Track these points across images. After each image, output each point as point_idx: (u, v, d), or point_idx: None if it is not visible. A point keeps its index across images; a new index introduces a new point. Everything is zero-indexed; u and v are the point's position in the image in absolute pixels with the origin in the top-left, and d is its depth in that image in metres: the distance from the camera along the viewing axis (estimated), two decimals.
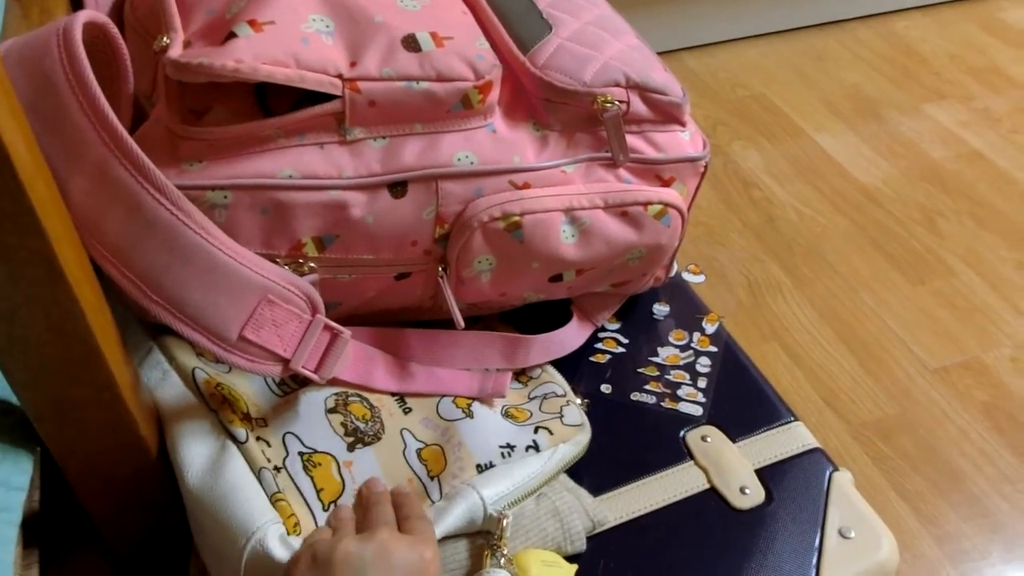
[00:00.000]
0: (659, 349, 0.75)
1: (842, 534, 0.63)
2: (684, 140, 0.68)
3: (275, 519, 0.52)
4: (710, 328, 0.77)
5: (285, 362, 0.55)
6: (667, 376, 0.72)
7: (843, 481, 0.67)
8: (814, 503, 0.65)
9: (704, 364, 0.74)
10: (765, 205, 1.51)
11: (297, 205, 0.58)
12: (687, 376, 0.73)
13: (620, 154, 0.65)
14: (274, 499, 0.53)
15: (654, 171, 0.67)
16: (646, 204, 0.66)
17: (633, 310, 0.78)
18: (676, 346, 0.75)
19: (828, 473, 0.67)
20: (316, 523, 0.54)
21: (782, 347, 1.25)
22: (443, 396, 0.65)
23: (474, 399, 0.65)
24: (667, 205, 0.66)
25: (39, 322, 0.46)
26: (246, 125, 0.57)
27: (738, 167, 1.59)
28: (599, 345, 0.75)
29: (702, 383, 0.72)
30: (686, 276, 0.82)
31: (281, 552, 0.50)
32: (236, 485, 0.53)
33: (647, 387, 0.71)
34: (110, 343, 0.50)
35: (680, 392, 0.71)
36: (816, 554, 0.62)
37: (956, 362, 1.25)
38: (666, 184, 0.67)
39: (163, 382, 0.60)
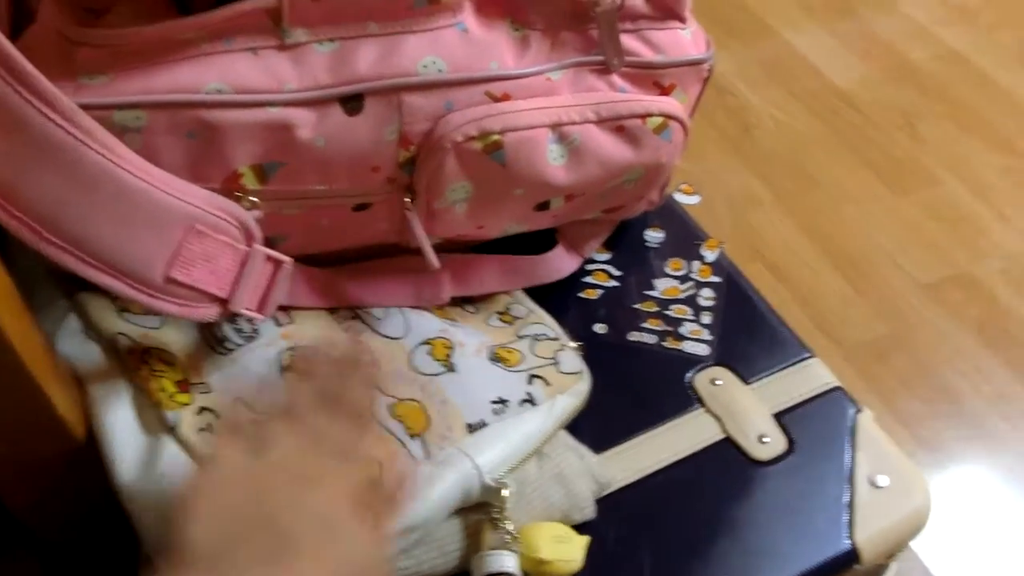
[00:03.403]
0: (655, 281, 0.66)
1: (872, 483, 0.56)
2: (685, 39, 0.58)
3: None
4: (710, 255, 0.68)
5: (223, 302, 0.47)
6: (667, 312, 0.64)
7: (868, 422, 0.60)
8: (840, 450, 0.58)
9: (707, 296, 0.65)
10: (740, 113, 1.42)
11: (229, 126, 0.47)
12: (689, 311, 0.64)
13: (614, 57, 0.55)
14: None
15: (653, 77, 0.57)
16: (644, 116, 0.56)
17: (623, 237, 0.69)
18: (674, 277, 0.67)
19: (852, 414, 0.60)
20: None
21: (766, 267, 1.19)
22: (376, 308, 0.58)
23: (411, 306, 0.58)
24: (668, 117, 0.57)
25: None
26: (159, 26, 0.46)
27: None
28: (588, 279, 0.66)
29: (706, 318, 0.64)
30: (678, 197, 0.73)
31: None
32: (174, 475, 0.45)
33: (645, 325, 0.63)
34: (5, 309, 0.40)
35: (682, 329, 0.63)
36: (847, 507, 0.55)
37: (946, 276, 1.20)
38: (666, 92, 0.58)
39: (83, 352, 0.51)
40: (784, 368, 0.62)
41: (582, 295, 0.65)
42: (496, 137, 0.52)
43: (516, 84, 0.53)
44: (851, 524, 0.54)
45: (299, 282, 0.56)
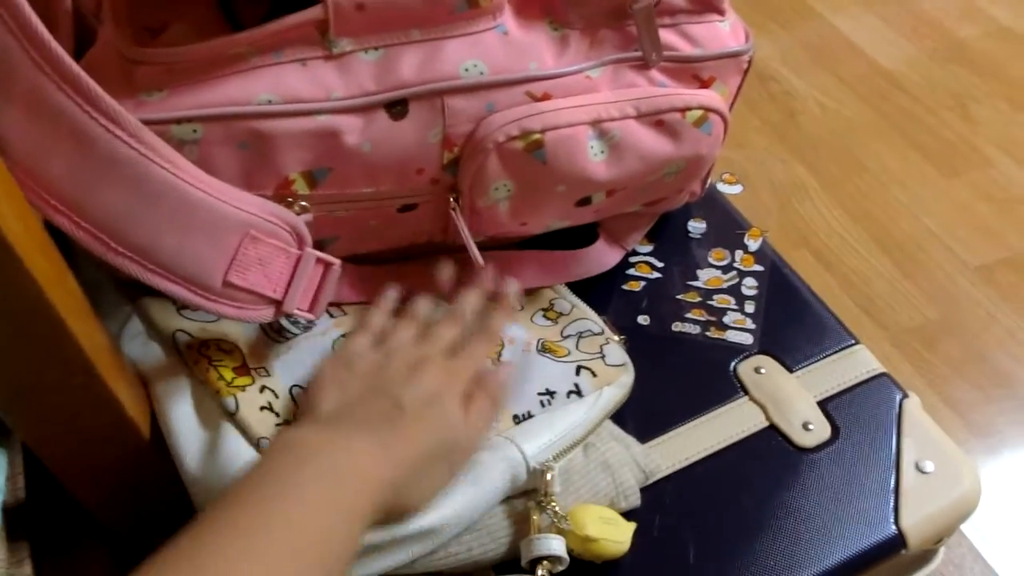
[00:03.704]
0: (698, 272, 0.67)
1: (919, 468, 0.56)
2: (724, 31, 0.58)
3: None
4: (753, 245, 0.69)
5: (277, 304, 0.48)
6: (710, 302, 0.65)
7: (914, 408, 0.60)
8: (886, 435, 0.58)
9: (750, 286, 0.66)
10: (784, 99, 1.41)
11: (280, 135, 0.49)
12: (732, 300, 0.65)
13: (653, 52, 0.56)
14: None
15: (692, 70, 0.58)
16: (684, 110, 0.57)
17: (665, 229, 0.69)
18: (717, 267, 0.67)
19: (898, 400, 0.60)
20: None
21: (812, 253, 1.17)
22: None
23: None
24: (708, 110, 0.57)
25: None
26: (211, 42, 0.48)
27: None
28: (631, 271, 0.67)
29: (749, 307, 0.64)
30: (721, 187, 0.74)
31: None
32: (238, 466, 0.47)
33: (689, 315, 0.64)
34: (76, 316, 0.43)
35: (726, 319, 0.64)
36: (893, 493, 0.55)
37: (998, 259, 1.18)
38: (705, 85, 0.58)
39: (145, 352, 0.53)
40: (828, 355, 0.62)
41: (625, 287, 0.66)
42: (537, 136, 0.53)
43: (556, 83, 0.54)
44: (897, 510, 0.54)
45: (344, 282, 0.58)
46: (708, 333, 0.63)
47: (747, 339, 0.63)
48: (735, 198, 0.73)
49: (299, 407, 0.50)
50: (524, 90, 0.53)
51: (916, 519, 0.54)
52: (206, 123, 0.48)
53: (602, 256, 0.66)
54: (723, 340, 0.63)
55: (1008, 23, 1.53)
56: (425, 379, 0.49)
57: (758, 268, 0.67)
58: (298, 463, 0.42)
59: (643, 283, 0.66)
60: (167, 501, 0.54)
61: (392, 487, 0.44)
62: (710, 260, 0.68)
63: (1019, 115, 1.38)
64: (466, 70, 0.52)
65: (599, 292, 0.64)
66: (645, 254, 0.68)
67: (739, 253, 0.68)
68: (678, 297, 0.65)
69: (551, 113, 0.53)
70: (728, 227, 0.70)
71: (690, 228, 0.70)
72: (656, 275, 0.67)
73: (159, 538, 0.56)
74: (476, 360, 0.53)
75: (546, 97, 0.54)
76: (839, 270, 1.16)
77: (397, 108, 0.51)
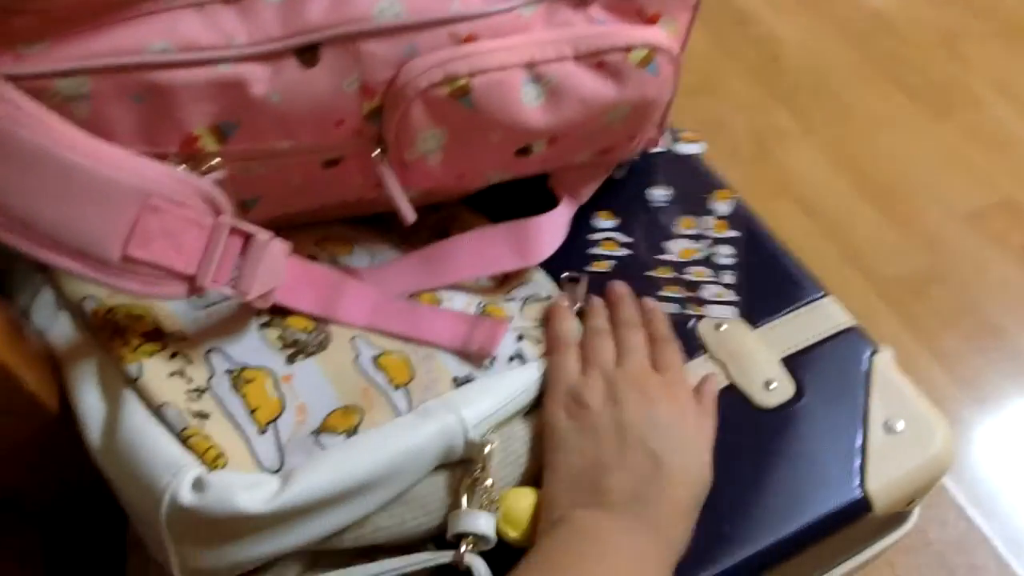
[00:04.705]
0: (668, 244, 0.62)
1: (888, 427, 0.53)
2: None
3: (188, 463, 0.43)
4: (724, 208, 0.64)
5: (190, 279, 0.45)
6: (685, 275, 0.60)
7: (885, 363, 0.56)
8: (853, 393, 0.55)
9: (726, 254, 0.61)
10: (765, 42, 1.35)
11: (178, 87, 0.45)
12: (708, 272, 0.60)
13: None
14: (184, 436, 0.44)
15: (635, 6, 0.53)
16: (627, 49, 0.52)
17: (627, 198, 0.64)
18: (688, 236, 0.62)
19: (868, 355, 0.56)
20: (250, 448, 0.46)
21: (794, 201, 1.13)
22: (420, 343, 0.52)
23: (458, 352, 0.52)
24: (653, 48, 0.53)
25: None
26: None
27: (731, 0, 1.42)
28: (596, 251, 0.61)
29: (728, 277, 0.59)
30: (680, 147, 0.68)
31: (194, 499, 0.42)
32: (137, 437, 0.44)
33: (664, 293, 0.59)
34: None
35: (704, 293, 0.59)
36: (860, 454, 0.52)
37: (989, 203, 1.13)
38: (650, 22, 0.54)
39: (54, 323, 0.51)
40: (794, 309, 0.59)
41: (592, 268, 0.60)
42: (463, 81, 0.49)
43: (483, 23, 0.49)
44: (863, 471, 0.51)
45: (344, 294, 0.53)
46: (687, 311, 0.58)
47: (730, 312, 0.58)
48: (714, 150, 0.68)
49: (546, 467, 0.48)
50: (447, 31, 0.49)
51: (883, 481, 0.51)
52: (95, 76, 0.44)
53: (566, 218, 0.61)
54: (705, 316, 0.58)
55: None
56: (661, 412, 0.49)
57: (733, 233, 0.62)
58: (584, 555, 0.43)
59: (612, 262, 0.61)
60: (90, 477, 0.51)
61: (670, 550, 0.45)
62: (679, 230, 0.62)
63: (1012, 53, 1.32)
64: (381, 11, 0.47)
65: (561, 271, 0.59)
66: (609, 229, 0.63)
67: (709, 219, 0.63)
68: (650, 274, 0.60)
69: (478, 56, 0.49)
70: (695, 190, 0.65)
71: (652, 196, 0.65)
72: (625, 251, 0.61)
73: (88, 513, 0.54)
74: (681, 371, 0.53)
75: (472, 38, 0.49)
76: (823, 219, 1.12)
77: (307, 55, 0.47)
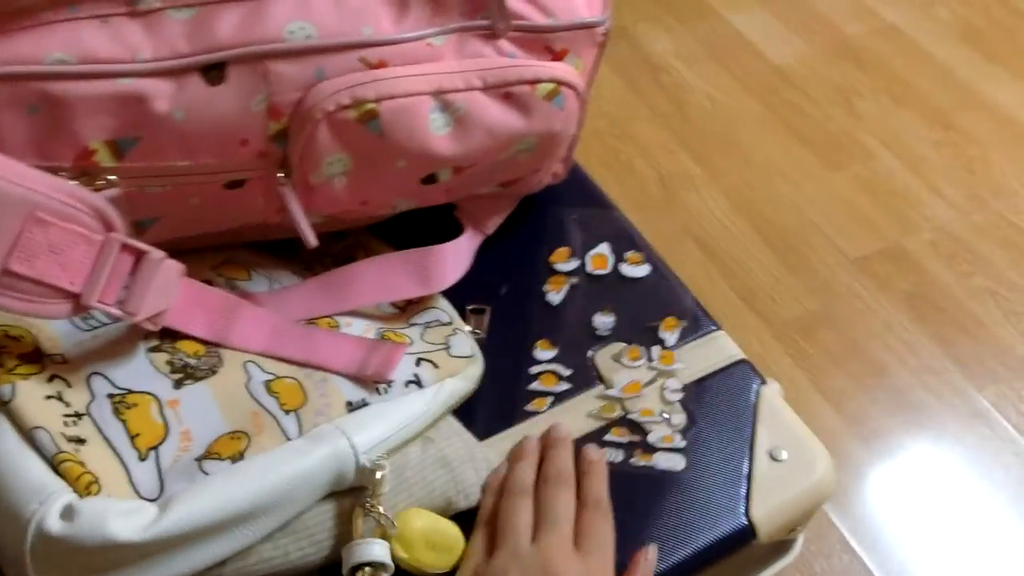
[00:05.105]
0: (612, 377, 0.57)
1: (772, 456, 0.55)
2: (578, 2, 0.56)
3: (58, 489, 0.41)
4: (671, 337, 0.59)
5: (75, 297, 0.43)
6: (631, 416, 0.56)
7: (772, 395, 0.58)
8: (741, 423, 0.56)
9: (673, 388, 0.57)
10: (675, 91, 1.41)
11: (76, 100, 0.45)
12: (656, 410, 0.56)
13: (500, 21, 0.53)
14: (57, 461, 0.42)
15: (543, 41, 0.55)
16: (534, 82, 0.54)
17: (569, 327, 0.60)
18: (633, 368, 0.58)
19: (756, 387, 0.58)
20: (128, 475, 0.44)
21: (696, 243, 1.17)
22: (316, 368, 0.51)
23: (352, 377, 0.51)
24: (560, 83, 0.55)
25: None
26: None
27: (645, 50, 1.47)
28: (534, 386, 0.57)
29: (677, 418, 0.55)
30: (626, 269, 0.64)
31: (63, 527, 0.40)
32: (4, 461, 0.42)
33: (609, 437, 0.55)
34: None
35: (651, 438, 0.55)
36: (745, 482, 0.54)
37: (876, 250, 1.20)
38: (557, 57, 0.56)
39: None
40: (689, 341, 0.60)
41: (529, 408, 0.56)
42: (371, 106, 0.50)
43: (393, 50, 0.50)
44: (748, 499, 0.53)
45: (237, 320, 0.52)
46: (633, 460, 0.54)
47: (679, 462, 0.54)
48: (623, 192, 0.70)
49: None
50: (357, 56, 0.49)
51: (766, 508, 0.53)
52: None
53: (469, 248, 0.61)
54: (652, 468, 0.53)
55: (895, 21, 1.57)
56: None
57: (679, 366, 0.58)
58: None
59: (549, 399, 0.56)
60: None
61: None
62: (624, 361, 0.58)
63: (900, 110, 1.41)
64: (291, 32, 0.48)
65: (499, 407, 0.56)
66: (548, 361, 0.58)
67: (655, 350, 0.59)
68: (591, 412, 0.56)
69: (387, 81, 0.50)
70: (639, 317, 0.61)
71: (596, 323, 0.60)
72: (564, 386, 0.57)
73: None
74: (608, 551, 0.48)
75: (382, 64, 0.50)
76: (722, 260, 1.16)
77: (213, 73, 0.47)
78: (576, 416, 0.56)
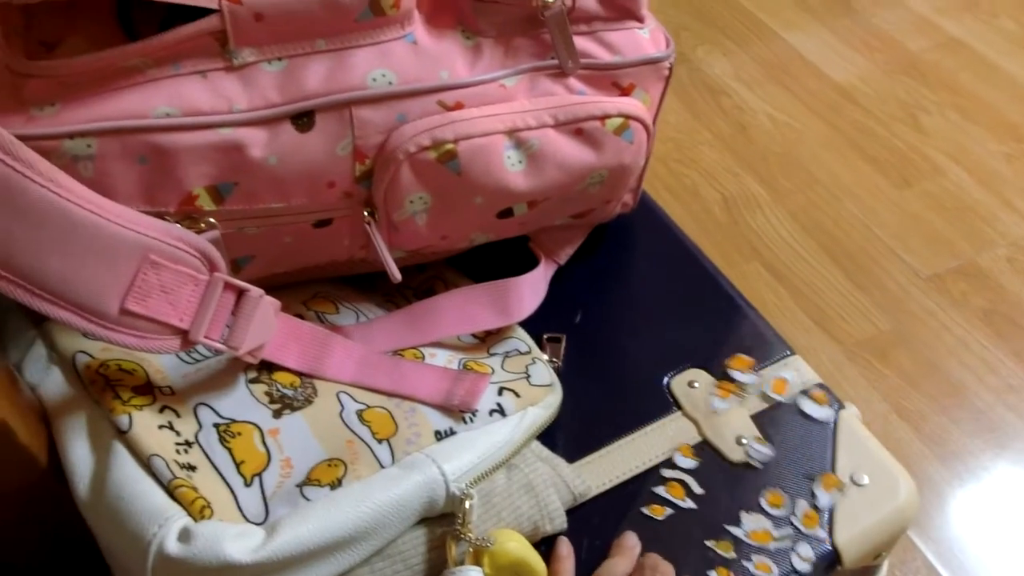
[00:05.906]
0: (743, 515, 0.53)
1: (854, 481, 0.55)
2: (643, 39, 0.57)
3: (175, 513, 0.44)
4: (824, 499, 0.53)
5: (183, 334, 0.46)
6: (745, 563, 0.51)
7: (850, 419, 0.59)
8: (820, 448, 0.56)
9: (804, 556, 0.51)
10: (736, 113, 1.41)
11: (181, 150, 0.48)
12: (775, 570, 0.51)
13: (568, 60, 0.55)
14: (172, 487, 0.45)
15: (610, 78, 0.56)
16: (603, 118, 0.56)
17: (720, 439, 0.56)
18: (769, 516, 0.53)
19: (834, 412, 0.58)
20: (236, 500, 0.46)
21: (764, 266, 1.17)
22: (404, 398, 0.53)
23: (439, 406, 0.53)
24: (628, 117, 0.56)
25: None
26: (102, 53, 0.46)
27: (704, 74, 1.48)
28: (659, 490, 0.53)
29: None
30: (806, 405, 0.58)
31: (181, 549, 0.42)
32: (125, 487, 0.45)
33: (710, 572, 0.51)
34: None
35: None
36: (828, 509, 0.54)
37: (950, 267, 1.18)
38: (625, 92, 0.57)
39: (45, 377, 0.51)
40: (764, 367, 0.61)
41: (645, 510, 0.53)
42: (450, 146, 0.52)
43: (469, 92, 0.53)
44: (831, 524, 0.53)
45: (330, 352, 0.54)
46: None
47: None
48: (687, 215, 0.71)
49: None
50: (436, 99, 0.52)
51: (850, 534, 0.53)
52: (100, 137, 0.46)
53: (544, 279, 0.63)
54: None
55: (958, 34, 1.55)
56: None
57: (820, 533, 0.52)
58: None
59: (668, 511, 0.53)
60: (75, 533, 0.52)
61: None
62: (762, 503, 0.53)
63: (968, 124, 1.39)
64: (374, 80, 0.50)
65: (615, 511, 0.53)
66: (685, 470, 0.54)
67: (802, 504, 0.53)
68: (707, 543, 0.52)
69: (464, 122, 0.52)
70: (799, 461, 0.55)
71: (749, 447, 0.55)
72: (689, 504, 0.53)
73: (62, 572, 0.53)
74: None
75: (459, 106, 0.52)
76: (791, 282, 1.15)
77: (303, 120, 0.50)
78: (686, 539, 0.52)
